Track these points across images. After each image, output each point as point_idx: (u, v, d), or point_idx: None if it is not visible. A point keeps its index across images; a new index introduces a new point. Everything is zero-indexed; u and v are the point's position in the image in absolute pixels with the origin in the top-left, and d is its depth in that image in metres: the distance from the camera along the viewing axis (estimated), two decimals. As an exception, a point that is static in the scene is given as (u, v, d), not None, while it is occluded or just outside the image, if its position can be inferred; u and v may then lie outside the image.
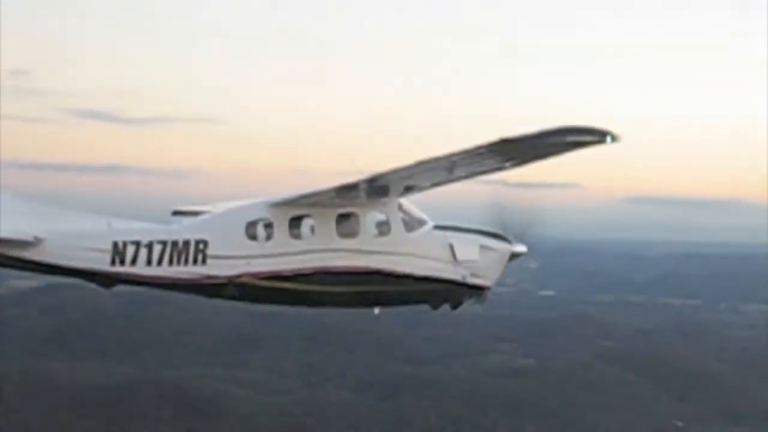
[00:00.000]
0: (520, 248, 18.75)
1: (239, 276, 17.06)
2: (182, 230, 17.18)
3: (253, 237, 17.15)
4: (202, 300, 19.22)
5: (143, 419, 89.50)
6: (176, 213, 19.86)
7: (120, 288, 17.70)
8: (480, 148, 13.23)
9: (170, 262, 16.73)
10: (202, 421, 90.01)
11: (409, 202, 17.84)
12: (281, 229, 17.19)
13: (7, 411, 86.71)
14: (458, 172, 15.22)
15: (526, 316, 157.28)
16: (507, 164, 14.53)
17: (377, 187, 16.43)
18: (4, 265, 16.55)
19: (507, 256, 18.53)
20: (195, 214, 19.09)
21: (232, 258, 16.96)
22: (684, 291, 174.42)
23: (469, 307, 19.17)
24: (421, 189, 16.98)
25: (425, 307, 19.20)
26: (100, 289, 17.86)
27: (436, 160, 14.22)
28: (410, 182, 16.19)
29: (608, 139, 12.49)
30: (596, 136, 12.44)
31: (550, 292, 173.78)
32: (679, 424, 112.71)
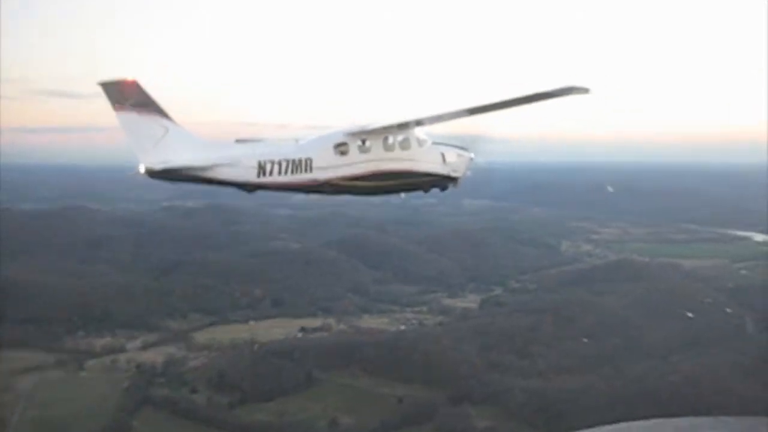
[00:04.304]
0: (473, 156, 26.91)
1: (331, 179, 23.79)
2: (297, 151, 23.46)
3: (338, 154, 23.78)
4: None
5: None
6: (238, 141, 24.16)
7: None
8: (523, 97, 20.07)
9: (292, 172, 23.14)
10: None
11: (419, 130, 25.42)
12: (353, 149, 23.98)
13: None
14: (445, 119, 23.11)
15: (303, 215, 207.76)
16: (516, 108, 21.10)
17: (403, 125, 24.12)
18: (191, 182, 22.43)
19: (468, 161, 26.71)
20: (252, 141, 24.07)
21: (327, 168, 23.60)
22: (429, 194, 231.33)
23: (451, 189, 27.49)
24: (426, 125, 24.63)
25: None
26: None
27: (436, 116, 22.74)
28: (421, 122, 24.23)
29: (589, 91, 18.65)
30: (582, 92, 18.75)
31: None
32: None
